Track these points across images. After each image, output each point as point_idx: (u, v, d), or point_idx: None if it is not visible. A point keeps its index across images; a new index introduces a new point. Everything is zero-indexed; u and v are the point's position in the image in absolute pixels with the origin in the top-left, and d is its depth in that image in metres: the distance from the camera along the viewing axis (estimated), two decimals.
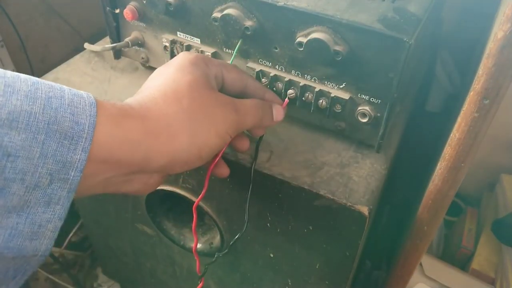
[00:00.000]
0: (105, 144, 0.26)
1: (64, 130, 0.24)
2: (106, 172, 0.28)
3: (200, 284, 0.40)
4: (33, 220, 0.25)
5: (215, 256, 0.39)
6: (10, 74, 0.24)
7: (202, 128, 0.31)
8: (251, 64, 0.42)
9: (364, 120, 0.39)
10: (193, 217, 0.38)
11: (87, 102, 0.26)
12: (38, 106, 0.24)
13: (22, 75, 0.25)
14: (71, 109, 0.25)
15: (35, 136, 0.24)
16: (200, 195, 0.37)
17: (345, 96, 0.39)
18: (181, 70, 0.33)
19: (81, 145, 0.25)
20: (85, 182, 0.27)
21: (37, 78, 0.25)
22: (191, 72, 0.33)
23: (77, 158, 0.25)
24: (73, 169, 0.25)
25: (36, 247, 0.25)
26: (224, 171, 0.37)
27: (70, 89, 0.26)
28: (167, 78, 0.32)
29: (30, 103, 0.24)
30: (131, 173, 0.30)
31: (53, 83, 0.26)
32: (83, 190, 0.28)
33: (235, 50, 0.41)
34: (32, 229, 0.25)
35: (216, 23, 0.39)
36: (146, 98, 0.30)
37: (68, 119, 0.25)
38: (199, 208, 0.42)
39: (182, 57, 0.34)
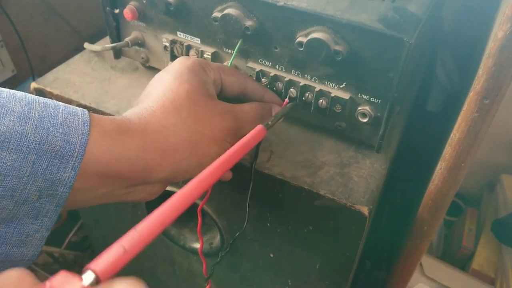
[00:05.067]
0: (102, 160, 0.27)
1: (55, 150, 0.25)
2: (106, 185, 0.28)
3: (208, 286, 0.40)
4: (21, 230, 0.25)
5: (219, 255, 0.39)
6: (5, 94, 0.25)
7: (201, 138, 0.32)
8: (251, 64, 0.42)
9: (364, 120, 0.39)
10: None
11: (80, 120, 0.26)
12: (30, 127, 0.25)
13: (18, 94, 0.26)
14: (63, 128, 0.25)
15: (26, 156, 0.24)
16: (204, 199, 0.37)
17: (345, 96, 0.39)
18: (179, 78, 0.33)
19: (71, 163, 0.25)
20: (84, 195, 0.28)
21: (33, 97, 0.26)
22: (189, 80, 0.33)
23: (66, 176, 0.25)
24: (62, 186, 0.26)
25: (24, 254, 0.26)
26: (227, 175, 0.37)
27: (65, 107, 0.27)
28: (165, 87, 0.32)
29: (23, 124, 0.24)
30: (133, 185, 0.30)
31: (49, 101, 0.26)
32: (84, 202, 0.29)
33: (235, 50, 0.41)
34: (20, 238, 0.26)
35: (216, 23, 0.39)
36: (145, 110, 0.31)
37: (60, 138, 0.25)
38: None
39: (179, 63, 0.34)
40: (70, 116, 0.26)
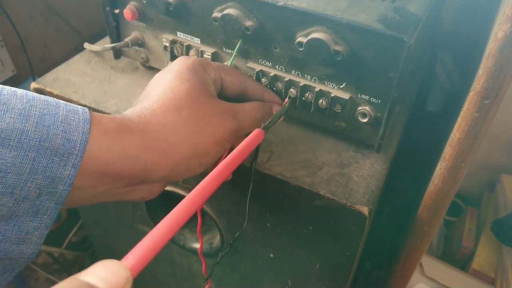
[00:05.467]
0: (101, 158, 0.27)
1: (55, 147, 0.25)
2: (106, 184, 0.28)
3: (207, 286, 0.40)
4: (21, 228, 0.25)
5: (219, 255, 0.39)
6: (6, 91, 0.25)
7: (201, 138, 0.32)
8: (251, 64, 0.42)
9: (364, 120, 0.39)
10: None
11: (81, 118, 0.26)
12: (30, 124, 0.24)
13: (19, 91, 0.26)
14: (63, 126, 0.25)
15: (26, 153, 0.24)
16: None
17: (345, 96, 0.39)
18: (179, 77, 0.33)
19: (71, 161, 0.25)
20: (84, 194, 0.28)
21: (34, 94, 0.26)
22: (189, 80, 0.33)
23: (66, 174, 0.25)
24: (62, 184, 0.26)
25: (23, 251, 0.26)
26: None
27: (66, 105, 0.27)
28: (165, 87, 0.32)
29: (23, 121, 0.24)
30: (133, 184, 0.30)
31: (50, 99, 0.26)
32: (84, 200, 0.28)
33: (235, 50, 0.41)
34: (19, 235, 0.25)
35: (216, 23, 0.39)
36: (145, 109, 0.31)
37: (60, 136, 0.25)
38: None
39: (180, 63, 0.34)
40: (71, 114, 0.26)
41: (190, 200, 0.25)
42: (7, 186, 0.24)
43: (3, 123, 0.24)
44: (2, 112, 0.24)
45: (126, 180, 0.29)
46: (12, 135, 0.24)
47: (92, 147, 0.26)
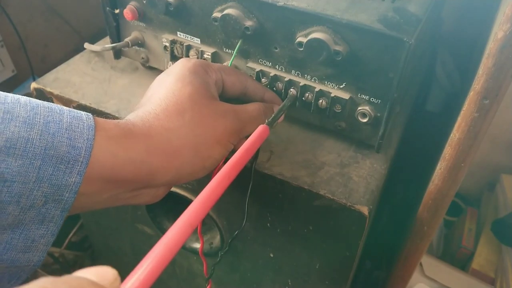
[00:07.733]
0: (107, 164, 0.27)
1: (61, 155, 0.25)
2: (111, 190, 0.28)
3: (209, 286, 0.40)
4: (27, 236, 0.25)
5: (219, 255, 0.39)
6: (10, 99, 0.25)
7: (205, 141, 0.32)
8: (251, 64, 0.42)
9: (364, 120, 0.39)
10: None
11: (85, 124, 0.26)
12: (35, 132, 0.24)
13: (22, 99, 0.25)
14: (68, 133, 0.25)
15: (32, 162, 0.24)
16: None
17: (345, 96, 0.39)
18: (181, 80, 0.33)
19: (77, 168, 0.25)
20: (89, 200, 0.28)
21: (37, 101, 0.26)
22: (191, 82, 0.32)
23: (72, 181, 0.25)
24: (67, 191, 0.25)
25: (29, 259, 0.26)
26: None
27: (69, 111, 0.27)
28: (167, 90, 0.32)
29: (28, 129, 0.24)
30: (138, 189, 0.30)
31: (53, 106, 0.26)
32: (89, 206, 0.28)
33: (235, 50, 0.41)
34: (26, 243, 0.25)
35: (216, 23, 0.39)
36: (148, 113, 0.31)
37: (65, 143, 0.25)
38: None
39: (181, 65, 0.34)
40: (75, 120, 0.26)
41: (200, 204, 0.25)
42: (13, 195, 0.24)
43: (8, 132, 0.23)
44: (7, 121, 0.24)
45: (131, 185, 0.29)
46: (17, 144, 0.24)
47: (97, 154, 0.26)
